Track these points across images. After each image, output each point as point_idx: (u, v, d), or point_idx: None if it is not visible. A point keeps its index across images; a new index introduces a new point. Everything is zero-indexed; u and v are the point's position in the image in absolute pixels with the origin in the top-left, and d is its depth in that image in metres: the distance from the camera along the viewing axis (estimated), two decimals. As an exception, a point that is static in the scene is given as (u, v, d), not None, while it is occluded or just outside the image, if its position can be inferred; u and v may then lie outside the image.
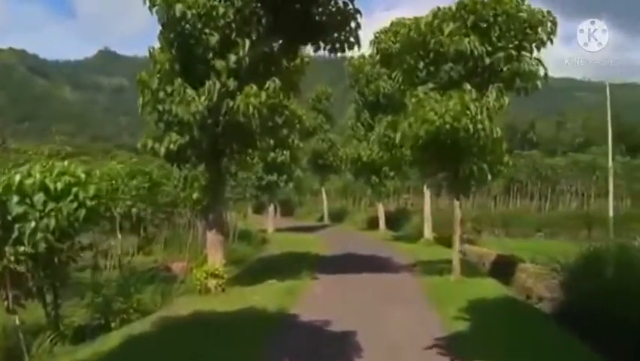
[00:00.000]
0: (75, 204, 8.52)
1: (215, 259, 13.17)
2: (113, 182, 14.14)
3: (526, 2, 13.78)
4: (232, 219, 22.88)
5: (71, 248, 8.96)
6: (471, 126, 12.69)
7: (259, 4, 12.53)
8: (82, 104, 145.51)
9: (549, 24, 13.57)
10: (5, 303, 7.68)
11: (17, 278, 7.93)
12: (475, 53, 13.29)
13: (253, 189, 32.62)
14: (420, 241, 25.53)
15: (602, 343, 8.00)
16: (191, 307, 10.79)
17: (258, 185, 32.49)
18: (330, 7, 13.45)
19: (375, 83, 30.57)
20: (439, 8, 14.10)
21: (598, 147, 47.95)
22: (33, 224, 8.07)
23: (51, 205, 8.31)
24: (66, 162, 9.32)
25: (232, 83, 12.05)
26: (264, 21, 12.64)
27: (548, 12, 13.62)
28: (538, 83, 13.81)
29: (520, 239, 30.81)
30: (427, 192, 26.58)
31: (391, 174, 30.96)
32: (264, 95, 12.08)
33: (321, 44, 13.83)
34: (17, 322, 7.70)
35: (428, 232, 26.09)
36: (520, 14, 13.43)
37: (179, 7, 11.66)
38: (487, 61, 13.47)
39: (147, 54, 12.83)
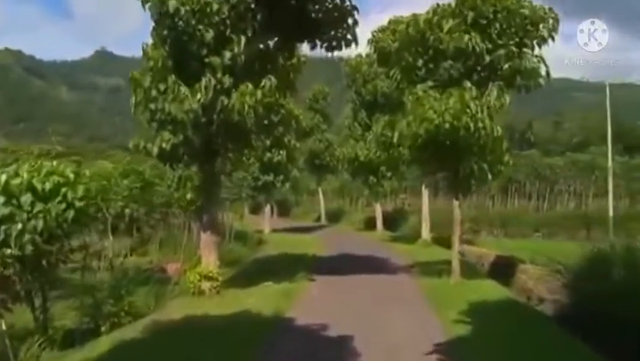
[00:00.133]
0: (64, 205, 8.36)
1: (210, 260, 12.90)
2: (105, 182, 13.81)
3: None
4: (228, 220, 22.68)
5: (60, 250, 8.74)
6: (471, 125, 12.48)
7: (254, 0, 12.27)
8: (78, 105, 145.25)
9: (551, 21, 13.41)
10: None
11: (4, 281, 7.75)
12: (476, 49, 13.09)
13: (249, 190, 32.50)
14: (418, 242, 25.30)
15: (606, 345, 7.90)
16: (183, 311, 10.53)
17: (254, 185, 32.28)
18: (327, 3, 13.16)
19: (372, 83, 30.50)
20: (438, 5, 13.91)
21: (597, 147, 47.89)
22: (20, 226, 7.93)
23: (39, 206, 8.14)
24: (55, 162, 9.09)
25: (227, 80, 11.81)
26: (259, 17, 12.38)
27: (550, 8, 13.50)
28: (541, 80, 13.61)
29: (518, 239, 30.80)
30: (425, 192, 26.37)
31: (388, 174, 30.85)
32: (259, 93, 11.83)
33: (318, 42, 13.54)
34: (3, 326, 7.46)
35: (426, 233, 25.90)
36: (522, 10, 13.26)
37: (172, 3, 11.40)
38: (488, 58, 13.29)
39: (143, 53, 12.58)
